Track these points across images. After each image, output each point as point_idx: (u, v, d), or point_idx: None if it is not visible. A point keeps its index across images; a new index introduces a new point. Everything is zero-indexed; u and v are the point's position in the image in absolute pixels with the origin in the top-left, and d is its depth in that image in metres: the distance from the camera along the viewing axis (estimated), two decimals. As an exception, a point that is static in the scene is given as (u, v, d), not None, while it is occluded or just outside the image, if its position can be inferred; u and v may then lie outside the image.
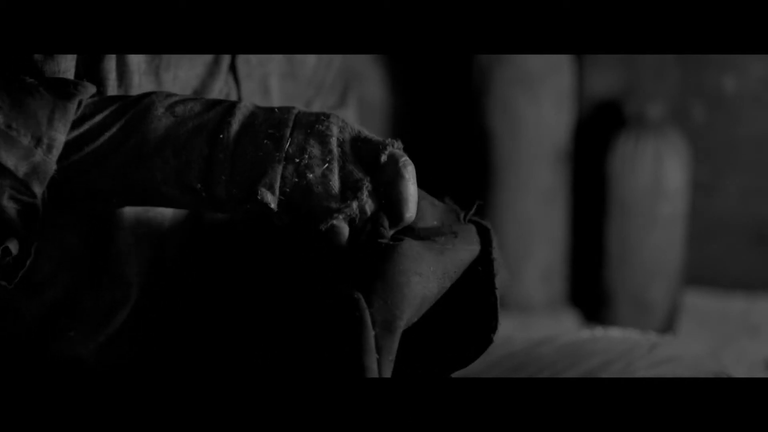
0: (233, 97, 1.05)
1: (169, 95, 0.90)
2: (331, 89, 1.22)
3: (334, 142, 0.87)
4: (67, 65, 0.92)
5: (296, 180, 0.85)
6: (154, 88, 0.98)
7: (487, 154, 2.55)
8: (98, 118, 0.89)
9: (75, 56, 0.93)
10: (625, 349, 1.12)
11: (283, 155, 0.86)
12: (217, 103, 0.90)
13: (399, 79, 2.71)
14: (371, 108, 2.65)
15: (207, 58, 1.02)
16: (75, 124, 0.88)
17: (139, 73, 0.97)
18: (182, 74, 1.00)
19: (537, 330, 2.51)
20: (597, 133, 2.62)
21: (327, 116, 0.88)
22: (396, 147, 0.88)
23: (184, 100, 0.90)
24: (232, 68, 1.04)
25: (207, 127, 0.87)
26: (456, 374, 0.89)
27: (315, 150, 0.86)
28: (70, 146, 0.88)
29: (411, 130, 2.72)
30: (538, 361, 1.13)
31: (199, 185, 0.87)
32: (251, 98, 1.06)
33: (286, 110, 0.89)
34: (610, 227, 2.55)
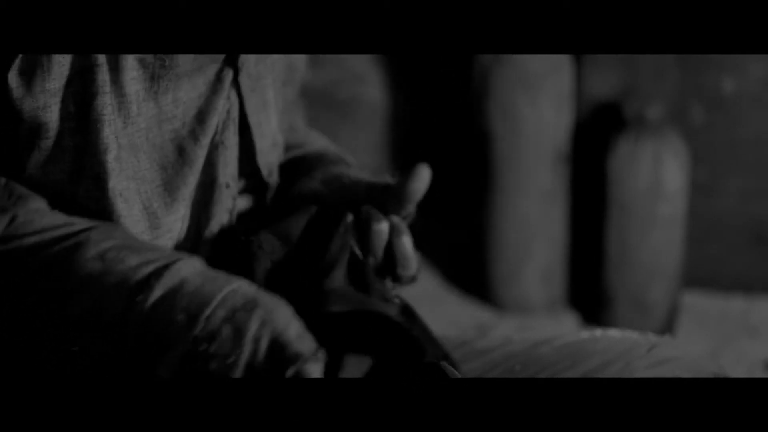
0: (235, 114, 1.03)
1: (109, 237, 0.89)
2: None
3: (249, 336, 0.83)
4: (46, 101, 0.91)
5: (197, 364, 0.84)
6: (155, 114, 0.97)
7: (487, 154, 2.55)
8: (27, 241, 0.89)
9: (55, 92, 0.92)
10: (624, 350, 1.11)
11: (191, 337, 0.84)
12: (152, 260, 0.88)
13: (399, 80, 2.71)
14: (371, 109, 2.65)
15: (209, 76, 1.00)
16: (4, 240, 0.89)
17: (138, 102, 0.95)
18: (183, 96, 0.98)
19: (536, 331, 2.50)
20: (596, 133, 2.62)
21: (255, 305, 0.85)
22: (311, 362, 0.83)
23: (120, 247, 0.89)
24: (235, 84, 1.02)
25: (128, 284, 0.86)
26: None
27: (226, 341, 0.83)
28: None
29: (411, 130, 2.72)
30: (537, 361, 1.13)
31: (109, 333, 0.86)
32: (254, 113, 1.04)
33: (220, 285, 0.86)
34: (609, 228, 2.55)
